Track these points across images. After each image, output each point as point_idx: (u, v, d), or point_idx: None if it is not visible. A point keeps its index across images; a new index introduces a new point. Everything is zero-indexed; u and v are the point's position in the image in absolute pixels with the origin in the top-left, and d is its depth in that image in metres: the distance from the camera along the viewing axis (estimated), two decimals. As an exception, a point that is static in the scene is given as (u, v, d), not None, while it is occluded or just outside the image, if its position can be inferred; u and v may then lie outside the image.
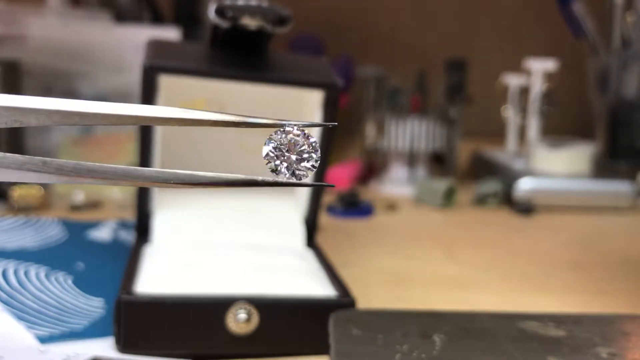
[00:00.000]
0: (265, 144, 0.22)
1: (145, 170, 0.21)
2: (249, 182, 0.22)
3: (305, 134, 0.22)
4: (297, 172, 0.22)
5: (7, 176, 0.20)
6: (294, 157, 0.22)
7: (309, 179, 0.22)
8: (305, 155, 0.22)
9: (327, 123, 0.24)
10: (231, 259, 0.39)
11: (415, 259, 0.52)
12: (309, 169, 0.22)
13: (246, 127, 0.22)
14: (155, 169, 0.21)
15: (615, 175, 0.74)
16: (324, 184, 0.23)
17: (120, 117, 0.21)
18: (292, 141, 0.22)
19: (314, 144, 0.22)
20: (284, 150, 0.22)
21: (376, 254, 0.53)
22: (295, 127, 0.22)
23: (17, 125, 0.20)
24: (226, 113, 0.22)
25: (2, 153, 0.20)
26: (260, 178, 0.22)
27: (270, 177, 0.22)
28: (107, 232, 0.53)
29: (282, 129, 0.22)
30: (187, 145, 0.47)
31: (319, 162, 0.22)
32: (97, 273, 0.44)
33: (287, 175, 0.22)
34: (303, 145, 0.22)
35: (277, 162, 0.22)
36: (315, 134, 0.44)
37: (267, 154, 0.22)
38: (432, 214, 0.69)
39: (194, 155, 0.48)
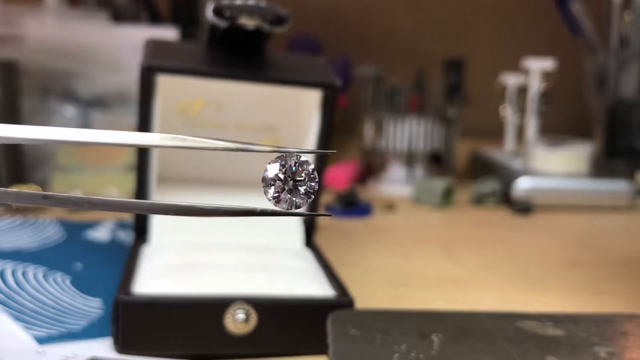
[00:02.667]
0: (263, 172, 0.22)
1: (146, 202, 0.22)
2: (248, 212, 0.22)
3: (303, 161, 0.22)
4: (294, 199, 0.22)
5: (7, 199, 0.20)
6: (291, 185, 0.22)
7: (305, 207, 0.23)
8: (303, 183, 0.22)
9: (325, 150, 0.24)
10: (229, 259, 0.39)
11: (413, 259, 0.52)
12: (307, 197, 0.22)
13: (245, 151, 0.22)
14: (156, 201, 0.22)
15: (613, 174, 0.74)
16: (320, 213, 0.24)
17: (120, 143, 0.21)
18: (290, 169, 0.22)
19: (311, 172, 0.22)
20: (281, 179, 0.22)
21: (374, 253, 0.53)
22: (292, 155, 0.22)
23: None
24: (226, 140, 0.22)
25: (3, 189, 0.20)
26: (259, 208, 0.22)
27: (267, 205, 0.22)
28: (105, 232, 0.53)
29: (280, 156, 0.22)
30: (187, 152, 0.47)
31: (316, 190, 0.23)
32: (95, 273, 0.44)
33: (285, 203, 0.22)
34: (301, 173, 0.22)
35: (275, 189, 0.22)
36: (312, 135, 0.44)
37: (265, 182, 0.22)
38: (430, 214, 0.68)
39: (194, 157, 0.48)
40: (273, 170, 0.22)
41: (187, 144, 0.22)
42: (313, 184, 0.23)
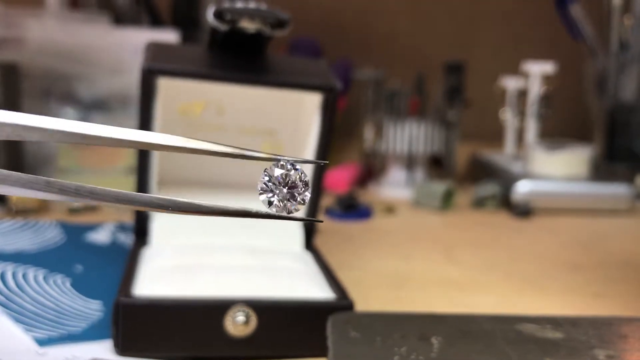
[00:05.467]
0: (260, 177, 0.23)
1: (145, 196, 0.22)
2: (244, 213, 0.23)
3: (298, 170, 0.23)
4: (289, 205, 0.23)
5: (10, 191, 0.21)
6: (286, 192, 0.23)
7: (301, 211, 0.24)
8: (298, 191, 0.23)
9: (320, 161, 0.25)
10: (229, 262, 0.39)
11: (413, 261, 0.52)
12: (300, 203, 0.23)
13: (243, 159, 0.23)
14: (155, 195, 0.22)
15: (613, 177, 0.74)
16: (313, 219, 0.25)
17: (120, 141, 0.22)
18: (286, 177, 0.23)
19: (306, 181, 0.23)
20: (277, 185, 0.23)
21: (375, 256, 0.53)
22: (289, 163, 0.23)
23: (17, 139, 0.21)
24: (225, 145, 0.23)
25: (7, 171, 0.21)
26: (254, 210, 0.23)
27: (264, 209, 0.23)
28: (105, 234, 0.54)
29: (276, 164, 0.23)
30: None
31: (309, 198, 0.23)
32: (96, 276, 0.44)
33: (280, 208, 0.23)
34: (296, 180, 0.23)
35: (270, 195, 0.23)
36: (313, 137, 0.44)
37: (262, 187, 0.23)
38: (430, 217, 0.69)
39: (193, 160, 0.48)
40: (269, 176, 0.23)
41: (190, 145, 0.22)
42: (307, 192, 0.23)
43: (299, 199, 0.23)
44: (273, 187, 0.23)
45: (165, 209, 0.22)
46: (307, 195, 0.23)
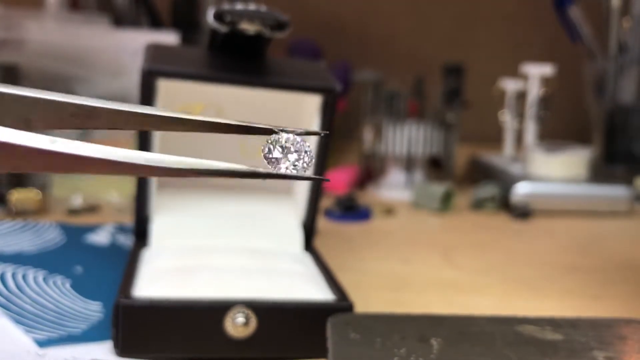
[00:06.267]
0: (263, 146, 0.23)
1: (149, 155, 0.22)
2: (251, 173, 0.23)
3: (300, 139, 0.24)
4: (295, 169, 0.24)
5: (15, 163, 0.20)
6: (291, 157, 0.23)
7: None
8: (302, 156, 0.23)
9: (321, 131, 0.25)
10: (229, 263, 0.39)
11: (412, 263, 0.52)
12: (306, 167, 0.24)
13: (245, 132, 0.23)
14: (160, 154, 0.22)
15: (612, 179, 0.74)
16: (322, 177, 0.25)
17: (125, 113, 0.22)
18: (289, 144, 0.23)
19: (308, 149, 0.24)
20: (281, 152, 0.23)
21: (374, 258, 0.53)
22: (292, 134, 0.23)
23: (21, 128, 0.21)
24: (226, 119, 0.23)
25: (9, 129, 0.21)
26: (262, 169, 0.23)
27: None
28: (105, 236, 0.54)
29: (279, 135, 0.23)
30: (186, 150, 0.47)
31: (314, 160, 0.24)
32: (96, 277, 0.44)
33: (285, 170, 0.23)
34: (300, 146, 0.24)
35: (276, 160, 0.23)
36: (312, 139, 0.44)
37: (266, 155, 0.23)
38: (429, 218, 0.69)
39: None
40: (272, 146, 0.23)
41: (192, 117, 0.22)
42: (309, 156, 0.24)
43: (302, 163, 0.23)
44: (277, 154, 0.23)
45: (168, 171, 0.22)
46: (313, 157, 0.24)
